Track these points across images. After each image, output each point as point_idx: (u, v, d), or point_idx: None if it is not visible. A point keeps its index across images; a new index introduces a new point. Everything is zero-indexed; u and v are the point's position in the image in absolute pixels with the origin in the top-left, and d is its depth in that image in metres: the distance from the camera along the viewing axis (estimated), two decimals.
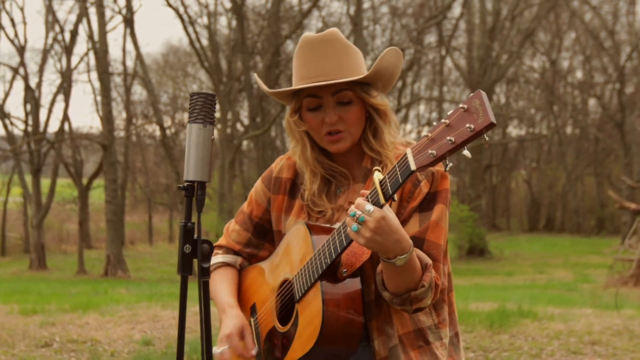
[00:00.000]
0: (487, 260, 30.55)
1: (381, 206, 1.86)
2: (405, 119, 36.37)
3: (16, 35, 30.94)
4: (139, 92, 46.71)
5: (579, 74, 42.50)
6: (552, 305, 9.86)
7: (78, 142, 31.54)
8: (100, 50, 26.56)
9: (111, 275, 25.99)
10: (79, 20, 29.38)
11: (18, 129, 32.35)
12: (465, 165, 39.00)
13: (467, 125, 1.69)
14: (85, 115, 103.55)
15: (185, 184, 1.75)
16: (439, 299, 2.18)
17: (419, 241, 2.09)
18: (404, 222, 2.10)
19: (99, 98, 29.75)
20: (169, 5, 25.15)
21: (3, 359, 7.15)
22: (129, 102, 37.14)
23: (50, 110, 31.60)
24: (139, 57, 27.29)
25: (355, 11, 29.04)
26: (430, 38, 34.44)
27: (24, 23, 38.33)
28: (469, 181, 36.00)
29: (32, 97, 30.85)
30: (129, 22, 26.93)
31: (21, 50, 30.64)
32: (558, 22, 37.60)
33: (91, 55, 29.08)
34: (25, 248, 36.33)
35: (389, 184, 1.85)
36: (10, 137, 31.80)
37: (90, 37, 27.28)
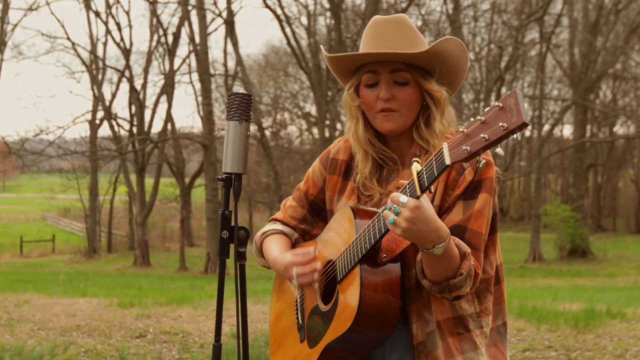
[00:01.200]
0: (589, 261, 29.81)
1: (417, 197, 1.90)
2: None
3: (122, 39, 32.00)
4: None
5: None
6: None
7: (180, 141, 32.42)
8: (201, 52, 27.27)
9: (211, 272, 26.62)
10: (181, 23, 30.23)
11: (123, 130, 33.48)
12: (568, 164, 38.21)
13: (501, 123, 1.72)
14: (187, 116, 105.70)
15: (224, 175, 1.91)
16: (482, 288, 2.22)
17: (461, 229, 2.13)
18: (447, 210, 2.15)
19: (199, 99, 30.49)
20: (267, 6, 25.60)
21: (100, 348, 7.52)
22: None
23: (154, 111, 32.66)
24: (238, 58, 27.86)
25: (453, 9, 28.86)
26: (532, 35, 33.96)
27: (130, 27, 39.55)
28: (571, 180, 35.17)
29: (136, 99, 31.91)
30: (229, 24, 27.51)
31: (126, 53, 31.70)
32: None
33: (193, 57, 29.83)
34: (130, 245, 37.53)
35: (425, 176, 1.88)
36: (116, 138, 32.94)
37: (192, 39, 28.03)
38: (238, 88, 33.76)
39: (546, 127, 38.18)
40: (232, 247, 1.97)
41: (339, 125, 31.31)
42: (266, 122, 50.36)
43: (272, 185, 27.95)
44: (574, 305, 9.21)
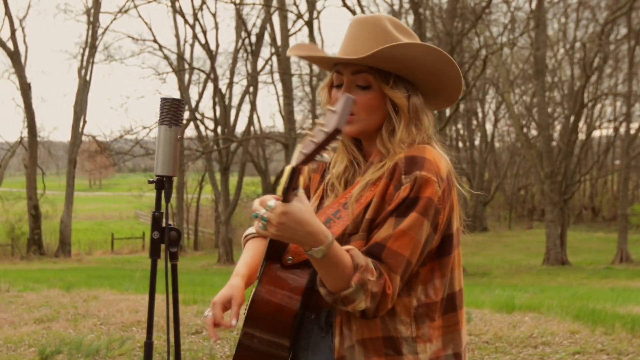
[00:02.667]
0: None
1: (286, 201, 1.85)
2: (591, 116, 35.00)
3: (206, 41, 32.59)
4: None
5: None
6: None
7: (262, 141, 32.82)
8: (282, 52, 27.57)
9: None
10: (264, 25, 30.60)
11: (208, 129, 34.09)
12: None
13: (325, 128, 1.69)
14: (269, 116, 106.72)
15: (156, 178, 1.98)
16: (422, 313, 2.10)
17: (379, 247, 2.01)
18: (379, 225, 2.04)
19: (281, 99, 30.79)
20: (345, 5, 25.64)
21: (155, 344, 7.72)
22: (314, 102, 38.19)
23: (238, 111, 33.15)
24: None
25: (537, 5, 28.36)
26: (623, 30, 33.03)
27: (216, 28, 40.31)
28: None
29: (221, 99, 32.45)
30: (309, 24, 27.71)
31: (211, 54, 32.26)
32: None
33: (275, 57, 30.17)
34: (216, 243, 38.17)
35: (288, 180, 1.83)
36: (201, 137, 33.57)
37: (273, 39, 28.35)
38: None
39: (635, 125, 37.12)
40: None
41: None
42: None
43: None
44: (636, 309, 8.97)
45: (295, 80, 33.74)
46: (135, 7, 32.04)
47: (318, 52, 2.26)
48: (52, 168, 58.20)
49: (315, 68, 33.06)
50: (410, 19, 29.79)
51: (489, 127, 50.06)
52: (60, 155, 42.64)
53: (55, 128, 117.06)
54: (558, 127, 41.43)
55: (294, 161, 1.78)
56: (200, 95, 35.80)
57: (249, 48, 32.27)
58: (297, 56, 2.25)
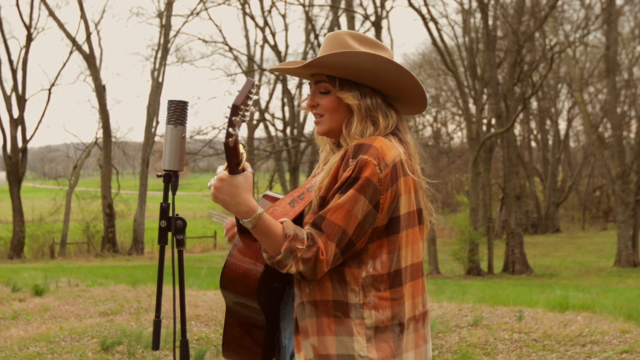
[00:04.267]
0: None
1: (231, 173, 2.21)
2: None
3: (275, 43, 33.00)
4: None
5: None
6: None
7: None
8: None
9: None
10: (332, 26, 30.83)
11: (277, 130, 34.49)
12: None
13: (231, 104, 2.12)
14: None
15: (163, 172, 2.22)
16: (368, 283, 2.36)
17: (320, 218, 2.31)
18: (328, 201, 2.35)
19: None
20: (411, 5, 25.69)
21: (212, 337, 7.99)
22: None
23: (306, 111, 33.40)
24: None
25: (608, 2, 27.92)
26: None
27: (285, 30, 40.70)
28: None
29: (290, 100, 32.82)
30: (376, 25, 27.81)
31: (280, 56, 32.66)
32: None
33: None
34: None
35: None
36: (270, 138, 34.01)
37: None
38: None
39: None
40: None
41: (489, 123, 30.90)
42: (428, 120, 50.46)
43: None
44: None
45: None
46: (206, 9, 32.62)
47: (289, 65, 2.57)
48: (129, 168, 59.58)
49: None
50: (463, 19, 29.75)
51: (563, 126, 49.38)
52: (136, 155, 43.64)
53: (131, 129, 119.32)
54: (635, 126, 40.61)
55: (223, 139, 2.16)
56: (270, 95, 36.23)
57: (317, 49, 32.55)
58: (271, 71, 2.69)
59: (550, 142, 50.81)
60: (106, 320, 8.85)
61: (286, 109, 33.63)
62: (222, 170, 2.24)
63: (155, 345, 2.33)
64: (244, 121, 2.12)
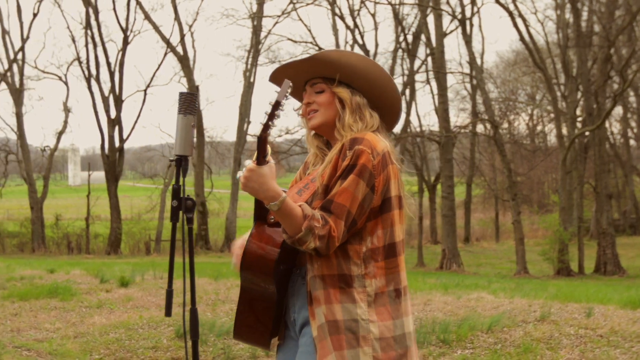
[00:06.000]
0: None
1: (258, 163, 2.50)
2: None
3: (363, 42, 33.20)
4: (492, 89, 47.49)
5: None
6: None
7: (417, 140, 33.02)
8: (437, 50, 27.72)
9: (446, 268, 26.90)
10: (420, 24, 30.83)
11: None
12: None
13: (270, 102, 2.42)
14: (423, 115, 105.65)
15: (175, 157, 2.46)
16: (367, 256, 2.74)
17: (328, 202, 2.67)
18: (331, 188, 2.70)
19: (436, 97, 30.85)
20: (498, 2, 25.48)
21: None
22: (474, 101, 38.04)
23: None
24: (471, 56, 27.99)
25: None
26: None
27: (375, 29, 40.81)
28: None
29: None
30: (462, 22, 27.69)
31: (368, 55, 32.80)
32: None
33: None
34: None
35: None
36: None
37: (428, 39, 28.53)
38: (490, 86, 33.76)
39: None
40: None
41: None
42: (519, 119, 49.73)
43: (506, 182, 27.74)
44: None
45: (450, 79, 33.78)
46: (295, 9, 33.04)
47: (291, 63, 2.90)
48: (225, 167, 60.71)
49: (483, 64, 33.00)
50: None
51: None
52: (228, 154, 44.50)
53: (226, 130, 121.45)
54: None
55: (258, 132, 2.46)
56: None
57: (405, 47, 32.61)
58: (271, 81, 2.97)
59: None
60: (186, 311, 9.20)
61: None
62: (250, 162, 2.53)
63: (168, 313, 2.60)
64: (278, 117, 2.43)
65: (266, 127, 2.43)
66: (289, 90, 2.46)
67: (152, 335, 7.87)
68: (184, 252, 2.55)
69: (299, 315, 2.82)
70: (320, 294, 2.71)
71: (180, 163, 2.46)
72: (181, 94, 2.44)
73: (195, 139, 2.50)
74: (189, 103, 2.47)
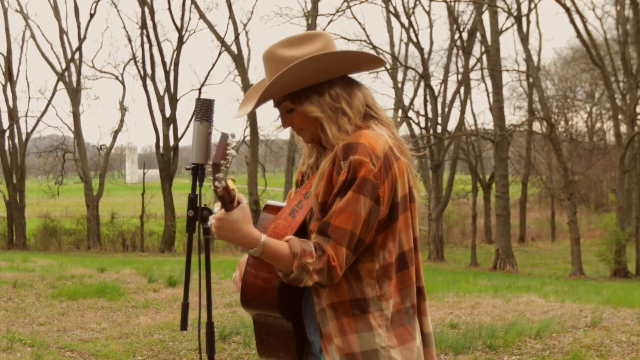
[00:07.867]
0: None
1: (227, 210, 2.29)
2: None
3: (417, 40, 32.95)
4: (549, 87, 46.82)
5: None
6: None
7: (471, 138, 32.65)
8: (492, 48, 27.38)
9: (499, 268, 26.58)
10: (475, 22, 30.46)
11: (419, 127, 34.40)
12: None
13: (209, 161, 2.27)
14: (478, 114, 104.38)
15: (192, 165, 2.38)
16: (381, 274, 2.43)
17: (325, 225, 2.36)
18: (330, 207, 2.39)
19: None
20: None
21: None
22: (531, 99, 37.47)
23: (450, 108, 33.25)
24: (527, 54, 27.57)
25: None
26: None
27: (430, 26, 40.51)
28: None
29: (433, 97, 32.69)
30: (518, 20, 27.27)
31: (422, 53, 32.55)
32: None
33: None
34: (427, 240, 38.35)
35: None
36: (413, 134, 33.95)
37: (483, 36, 28.17)
38: (547, 83, 33.26)
39: None
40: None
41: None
42: (575, 117, 48.90)
43: (562, 182, 27.24)
44: None
45: (505, 76, 33.35)
46: (349, 7, 32.90)
47: (246, 106, 2.63)
48: (280, 166, 60.91)
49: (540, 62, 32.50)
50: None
51: None
52: (281, 152, 44.61)
53: (280, 129, 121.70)
54: None
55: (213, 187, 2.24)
56: (415, 91, 36.17)
57: (460, 44, 32.27)
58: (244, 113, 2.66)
59: None
60: (229, 312, 9.21)
61: (429, 105, 33.48)
62: (217, 210, 2.32)
63: (183, 326, 2.51)
64: (227, 169, 2.18)
65: (215, 187, 2.20)
66: (230, 142, 2.19)
67: (196, 337, 7.86)
68: (200, 267, 2.46)
69: (315, 337, 2.57)
70: (332, 328, 2.42)
71: (197, 171, 2.37)
72: (197, 100, 2.35)
73: (212, 145, 2.38)
74: (206, 110, 2.37)
